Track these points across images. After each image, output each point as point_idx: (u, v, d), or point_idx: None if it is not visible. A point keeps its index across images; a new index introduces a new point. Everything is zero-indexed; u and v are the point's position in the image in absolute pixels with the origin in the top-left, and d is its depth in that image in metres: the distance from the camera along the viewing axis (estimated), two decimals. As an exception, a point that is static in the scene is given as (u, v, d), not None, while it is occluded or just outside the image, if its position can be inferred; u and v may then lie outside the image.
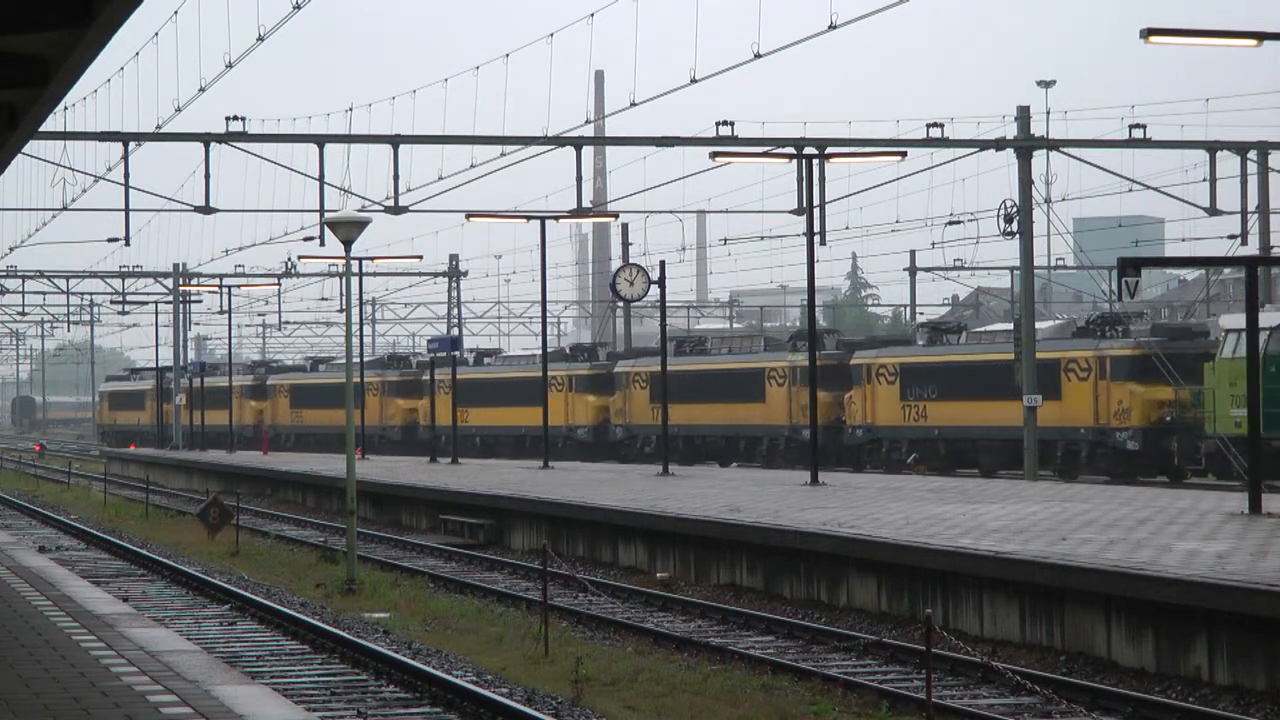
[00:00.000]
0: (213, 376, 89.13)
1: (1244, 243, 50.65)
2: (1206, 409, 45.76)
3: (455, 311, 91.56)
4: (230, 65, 36.07)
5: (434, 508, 41.47)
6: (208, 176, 44.37)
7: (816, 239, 41.21)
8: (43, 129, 26.74)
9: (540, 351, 79.65)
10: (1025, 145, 48.83)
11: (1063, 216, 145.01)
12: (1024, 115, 49.12)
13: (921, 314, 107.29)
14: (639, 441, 68.59)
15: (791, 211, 46.93)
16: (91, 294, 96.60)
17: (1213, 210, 49.61)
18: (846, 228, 70.22)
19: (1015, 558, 21.09)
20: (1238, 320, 44.36)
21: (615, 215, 63.98)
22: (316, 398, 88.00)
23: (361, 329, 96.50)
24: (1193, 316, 75.87)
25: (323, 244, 48.78)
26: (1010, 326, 58.19)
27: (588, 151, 47.76)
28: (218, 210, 45.50)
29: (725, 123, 44.25)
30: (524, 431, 71.81)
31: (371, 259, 69.55)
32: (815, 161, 42.92)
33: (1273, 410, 41.61)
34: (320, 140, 44.92)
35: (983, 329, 61.39)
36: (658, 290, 44.42)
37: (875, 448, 59.01)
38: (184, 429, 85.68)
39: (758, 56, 35.38)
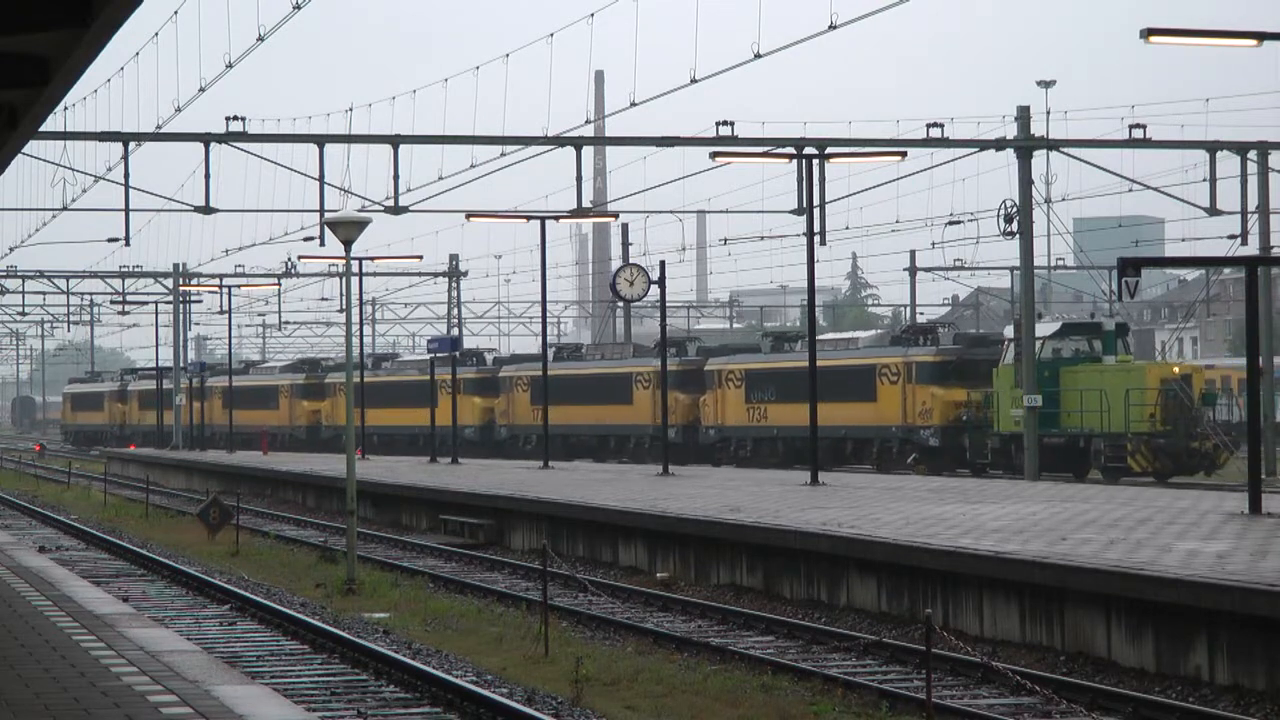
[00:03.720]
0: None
1: (1244, 243, 50.69)
2: (993, 409, 51.93)
3: (455, 311, 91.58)
4: (230, 65, 36.10)
5: (434, 508, 41.46)
6: (208, 176, 44.37)
7: (816, 239, 41.21)
8: (43, 129, 26.77)
9: (427, 356, 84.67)
10: (1025, 145, 48.85)
11: (1063, 216, 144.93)
12: (1024, 115, 49.15)
13: (922, 314, 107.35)
14: (521, 440, 74.71)
15: (791, 211, 46.93)
16: (91, 294, 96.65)
17: (1213, 210, 49.62)
18: (846, 228, 70.58)
19: (1015, 558, 21.09)
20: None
21: (615, 215, 64.01)
22: (245, 399, 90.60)
23: (362, 329, 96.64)
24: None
25: (323, 244, 48.80)
26: (841, 335, 63.15)
27: (588, 151, 47.75)
28: (218, 210, 45.50)
29: (725, 123, 44.25)
30: (416, 431, 77.49)
31: (371, 259, 69.70)
32: (815, 161, 42.90)
33: (1047, 410, 49.55)
34: (320, 140, 44.90)
35: (818, 338, 64.93)
36: (658, 290, 44.42)
37: (725, 446, 64.17)
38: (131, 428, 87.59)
39: (758, 56, 35.40)
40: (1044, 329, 52.23)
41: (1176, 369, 50.85)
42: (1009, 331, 54.10)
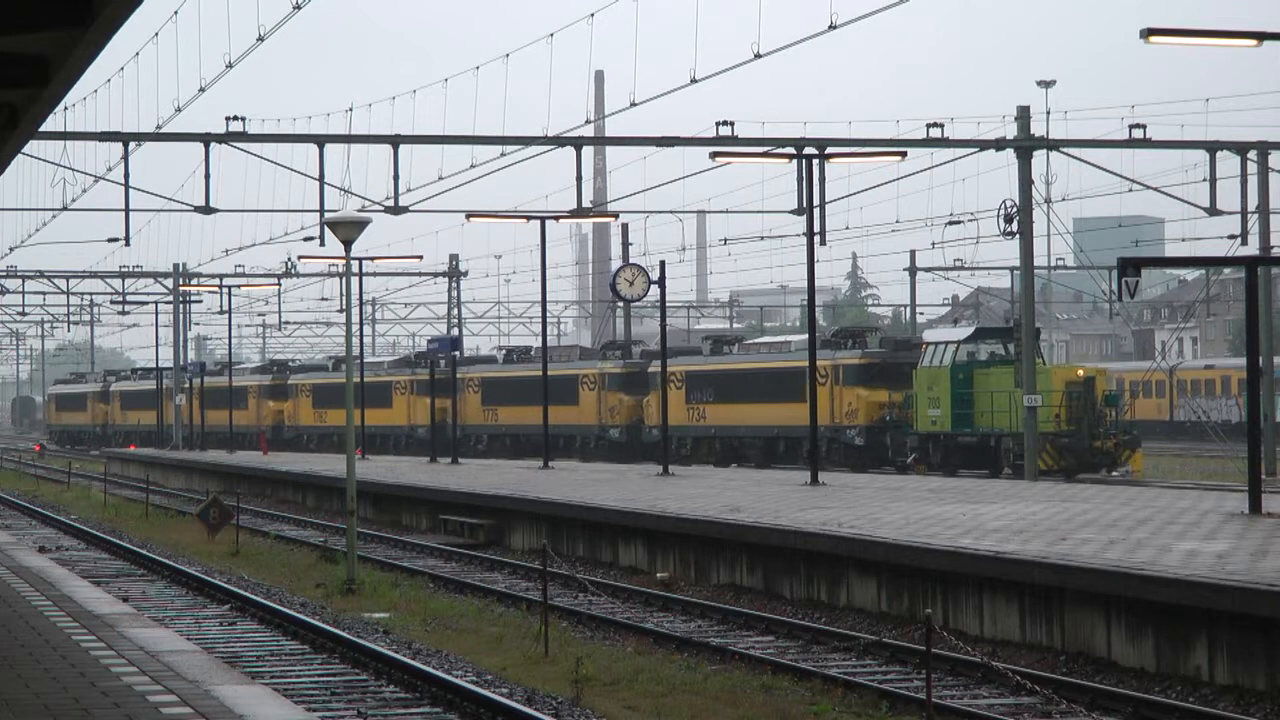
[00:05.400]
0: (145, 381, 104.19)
1: (1244, 243, 50.67)
2: (913, 410, 54.60)
3: (455, 311, 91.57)
4: (230, 65, 36.09)
5: (434, 508, 41.45)
6: (208, 176, 44.36)
7: (816, 239, 41.19)
8: (43, 129, 26.75)
9: (389, 358, 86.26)
10: (1025, 145, 48.82)
11: (1063, 216, 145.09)
12: (1024, 115, 49.12)
13: (922, 314, 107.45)
14: (472, 440, 77.61)
15: (791, 211, 46.92)
16: (91, 294, 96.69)
17: (1213, 210, 49.61)
18: (846, 228, 70.96)
19: (1015, 558, 21.09)
20: (935, 334, 57.38)
21: (615, 215, 63.97)
22: (219, 399, 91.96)
23: (362, 329, 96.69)
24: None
25: (323, 244, 48.80)
26: (775, 339, 65.51)
27: (588, 151, 47.72)
28: (218, 210, 45.48)
29: (725, 123, 44.23)
30: (373, 431, 79.95)
31: (371, 259, 69.70)
32: (815, 161, 42.87)
33: (961, 411, 52.42)
34: (320, 140, 44.88)
35: (753, 341, 69.75)
36: (658, 290, 44.39)
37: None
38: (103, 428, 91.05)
39: (758, 56, 35.38)
40: (958, 333, 55.31)
41: (1081, 371, 53.34)
42: (928, 335, 57.37)
